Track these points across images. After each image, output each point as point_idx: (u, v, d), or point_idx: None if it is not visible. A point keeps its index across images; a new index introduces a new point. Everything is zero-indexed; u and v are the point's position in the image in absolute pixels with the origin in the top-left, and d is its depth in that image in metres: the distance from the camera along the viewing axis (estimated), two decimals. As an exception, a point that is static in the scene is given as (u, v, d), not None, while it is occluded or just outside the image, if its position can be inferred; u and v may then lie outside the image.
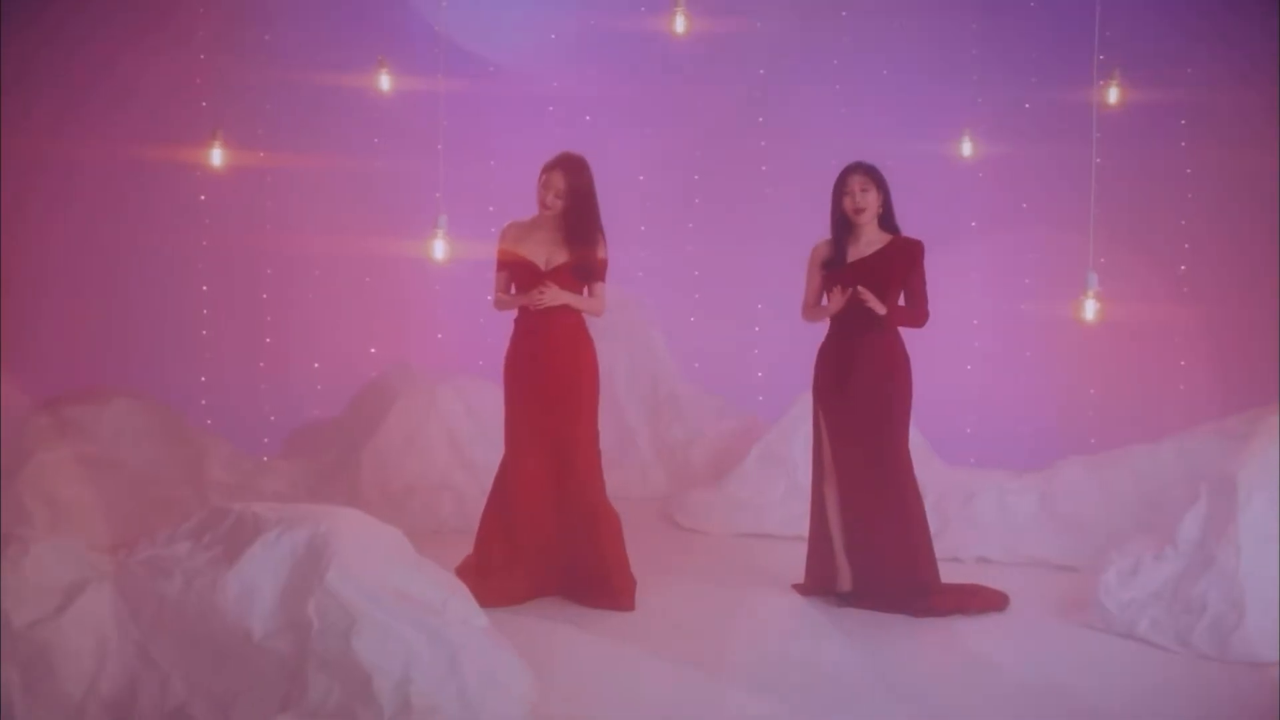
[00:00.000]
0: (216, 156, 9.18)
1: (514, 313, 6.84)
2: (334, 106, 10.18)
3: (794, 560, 7.23)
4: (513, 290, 6.79)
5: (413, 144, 9.77)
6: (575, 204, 6.62)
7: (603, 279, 6.75)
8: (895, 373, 6.75)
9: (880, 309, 6.58)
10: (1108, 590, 6.53)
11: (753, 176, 10.81)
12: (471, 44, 9.93)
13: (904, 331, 6.82)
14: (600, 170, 6.83)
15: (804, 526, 7.15)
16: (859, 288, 6.57)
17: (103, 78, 9.50)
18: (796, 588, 7.05)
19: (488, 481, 7.29)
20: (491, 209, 9.78)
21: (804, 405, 8.10)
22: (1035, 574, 7.51)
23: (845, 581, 6.84)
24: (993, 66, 10.38)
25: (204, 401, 9.99)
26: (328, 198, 10.27)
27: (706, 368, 10.62)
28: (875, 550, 6.76)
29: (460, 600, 5.31)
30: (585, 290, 6.76)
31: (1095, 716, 5.40)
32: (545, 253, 6.70)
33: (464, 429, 8.74)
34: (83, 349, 9.61)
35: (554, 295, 6.60)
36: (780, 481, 8.55)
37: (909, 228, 6.90)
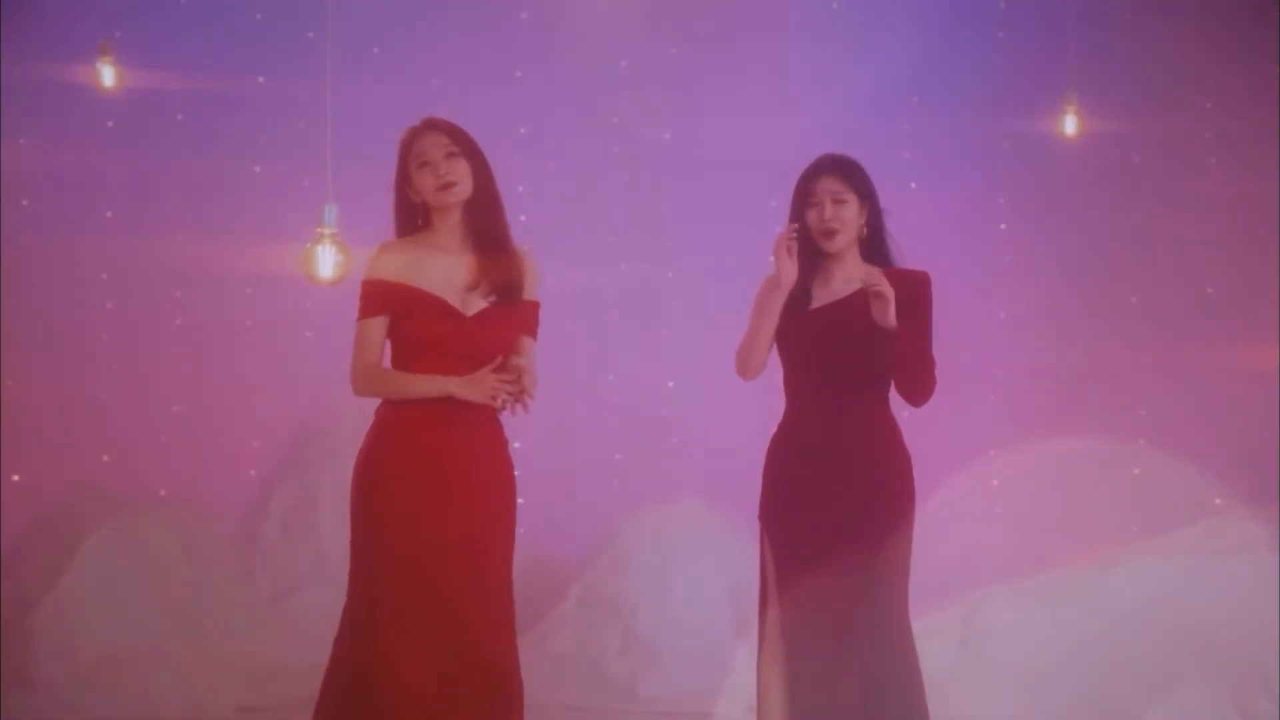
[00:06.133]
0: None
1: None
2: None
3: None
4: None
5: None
6: (479, 191, 3.93)
7: (534, 329, 4.01)
8: (889, 468, 4.10)
9: (888, 293, 3.89)
10: None
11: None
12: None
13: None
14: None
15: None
16: (873, 279, 3.94)
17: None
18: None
19: (227, 646, 6.45)
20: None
21: (630, 531, 6.99)
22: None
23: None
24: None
25: None
26: None
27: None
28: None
29: None
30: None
31: None
32: (454, 279, 3.88)
33: (181, 575, 6.77)
34: None
35: (529, 371, 3.81)
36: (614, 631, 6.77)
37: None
